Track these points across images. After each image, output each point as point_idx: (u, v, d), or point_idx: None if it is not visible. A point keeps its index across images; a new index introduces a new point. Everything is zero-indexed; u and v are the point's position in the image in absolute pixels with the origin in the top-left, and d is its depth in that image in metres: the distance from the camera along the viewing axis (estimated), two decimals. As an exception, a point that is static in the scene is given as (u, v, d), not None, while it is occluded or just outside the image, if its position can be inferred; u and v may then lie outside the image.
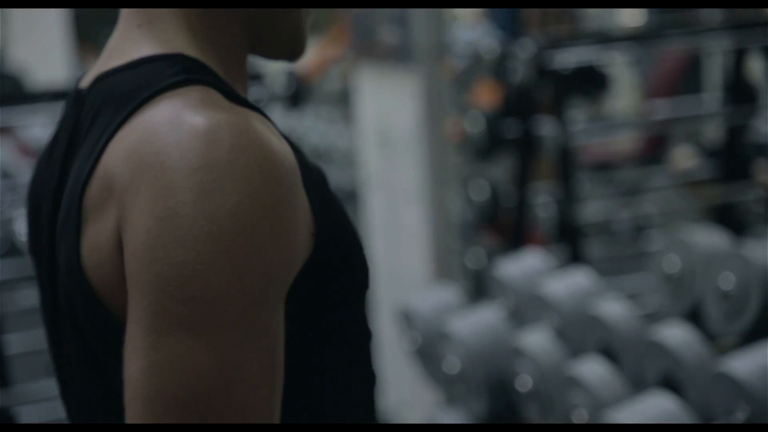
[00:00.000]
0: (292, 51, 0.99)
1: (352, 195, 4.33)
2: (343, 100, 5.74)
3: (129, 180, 0.82)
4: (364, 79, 3.58)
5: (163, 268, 0.79)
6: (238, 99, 0.87)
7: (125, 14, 0.94)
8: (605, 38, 3.74)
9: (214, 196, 0.79)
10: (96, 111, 0.89)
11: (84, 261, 0.86)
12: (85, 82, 0.95)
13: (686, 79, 4.80)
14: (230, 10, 0.93)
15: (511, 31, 5.25)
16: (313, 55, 5.32)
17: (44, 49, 6.87)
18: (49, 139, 1.00)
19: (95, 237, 0.85)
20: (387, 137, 3.45)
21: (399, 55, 3.29)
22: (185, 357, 0.78)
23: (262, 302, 0.81)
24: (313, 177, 0.91)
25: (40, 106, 2.85)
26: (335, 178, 4.88)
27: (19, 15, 7.58)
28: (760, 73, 3.98)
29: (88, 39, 7.29)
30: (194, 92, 0.85)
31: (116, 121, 0.85)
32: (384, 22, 3.33)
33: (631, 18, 6.82)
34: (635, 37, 3.79)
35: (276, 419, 0.82)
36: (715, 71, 4.79)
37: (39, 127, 4.01)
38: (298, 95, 2.88)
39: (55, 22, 6.66)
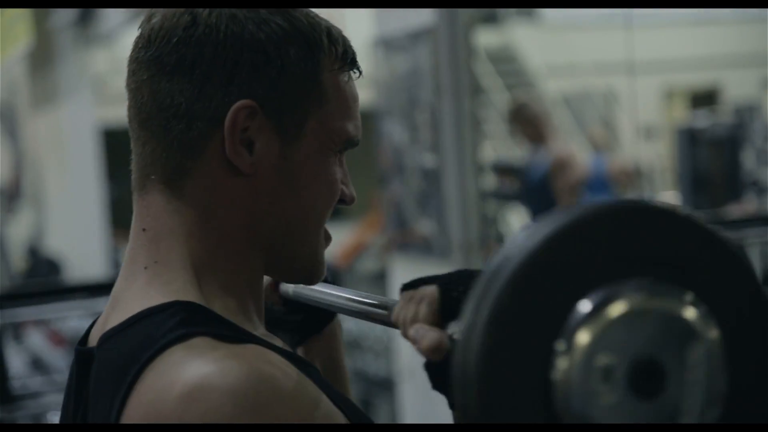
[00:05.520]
0: (310, 274, 0.98)
1: (387, 384, 4.28)
2: (379, 282, 5.75)
3: None
4: (397, 266, 3.59)
5: None
6: (240, 338, 0.87)
7: (131, 252, 0.94)
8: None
9: None
10: (102, 378, 0.89)
11: None
12: (92, 340, 0.94)
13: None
14: (243, 242, 0.92)
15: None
16: (349, 238, 5.37)
17: (81, 237, 6.94)
18: (64, 399, 0.98)
19: None
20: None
21: (434, 248, 3.31)
22: None
23: None
24: (333, 391, 0.90)
25: (77, 301, 2.88)
26: (369, 366, 4.84)
27: (56, 203, 7.71)
28: None
29: (124, 226, 7.40)
30: (191, 347, 0.84)
31: (122, 392, 0.85)
32: (419, 217, 3.36)
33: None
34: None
35: None
36: None
37: (75, 319, 4.02)
38: (333, 278, 2.87)
39: (92, 209, 6.76)
